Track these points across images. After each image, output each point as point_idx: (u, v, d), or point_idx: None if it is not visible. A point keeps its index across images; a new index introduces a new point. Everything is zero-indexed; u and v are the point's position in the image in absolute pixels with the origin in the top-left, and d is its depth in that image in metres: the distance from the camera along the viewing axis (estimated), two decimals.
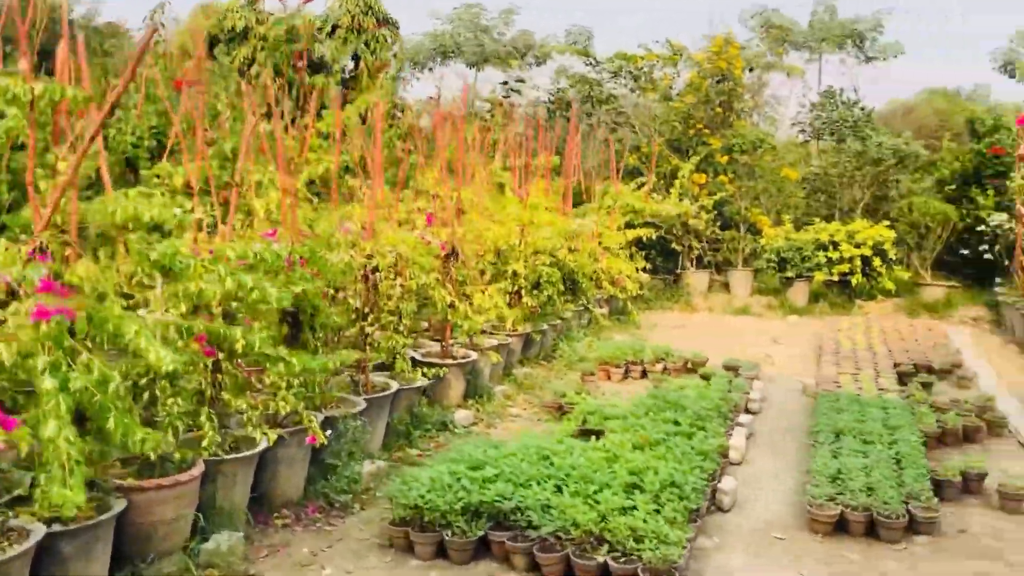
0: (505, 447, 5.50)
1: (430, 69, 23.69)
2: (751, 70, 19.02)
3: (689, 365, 9.58)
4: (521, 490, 4.79)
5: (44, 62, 7.52)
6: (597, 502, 4.68)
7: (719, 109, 16.54)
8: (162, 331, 4.09)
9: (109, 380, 3.62)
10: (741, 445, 6.48)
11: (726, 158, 16.19)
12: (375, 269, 6.45)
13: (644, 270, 13.34)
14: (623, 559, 4.32)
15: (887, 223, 14.54)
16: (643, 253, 14.09)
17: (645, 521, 4.43)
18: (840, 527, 5.14)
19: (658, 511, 4.64)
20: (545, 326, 10.27)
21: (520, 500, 4.70)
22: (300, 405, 5.04)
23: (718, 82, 16.62)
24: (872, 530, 5.10)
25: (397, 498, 4.88)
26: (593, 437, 5.95)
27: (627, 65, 18.52)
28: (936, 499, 5.30)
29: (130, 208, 3.87)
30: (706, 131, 16.49)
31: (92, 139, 3.67)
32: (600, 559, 4.34)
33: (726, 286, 15.59)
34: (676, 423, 6.23)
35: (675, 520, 4.57)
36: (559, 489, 4.87)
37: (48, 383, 3.13)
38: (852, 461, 5.69)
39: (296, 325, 5.32)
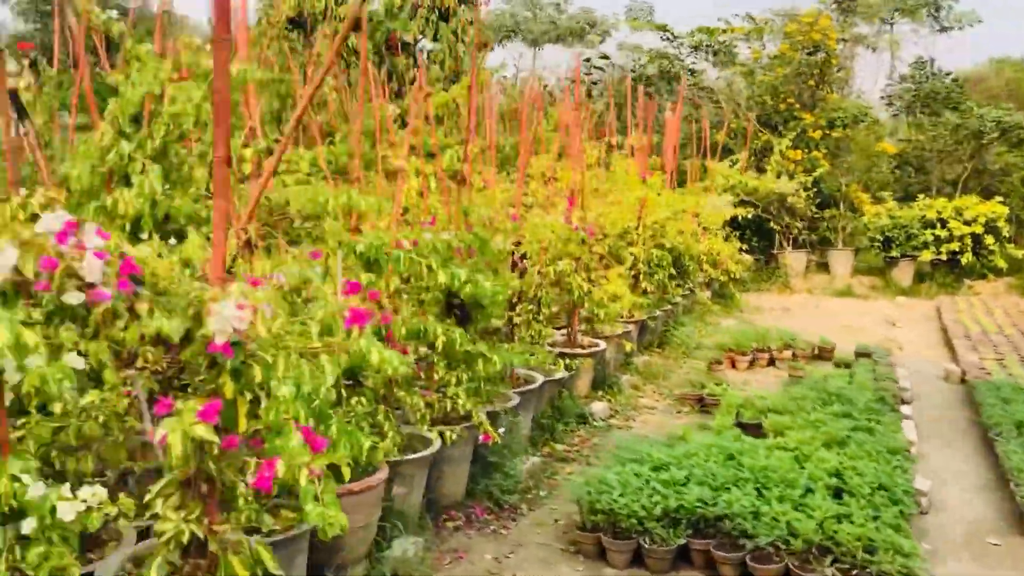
0: (683, 446, 5.18)
1: (491, 50, 23.43)
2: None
3: (817, 352, 9.16)
4: (722, 494, 4.46)
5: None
6: (806, 507, 4.33)
7: (811, 82, 15.91)
8: None
9: (320, 383, 3.35)
10: (914, 439, 6.08)
11: (819, 133, 15.59)
12: (523, 256, 6.15)
13: (740, 251, 12.88)
14: (854, 572, 3.97)
15: (999, 199, 13.85)
16: (737, 233, 13.61)
17: (877, 530, 4.08)
18: None
19: (876, 517, 4.28)
20: (658, 312, 9.91)
21: (725, 506, 4.36)
22: (477, 402, 4.77)
23: (809, 54, 15.99)
24: None
25: (587, 502, 4.58)
26: (770, 433, 5.60)
27: (707, 39, 18.00)
28: None
29: (342, 197, 3.59)
30: (796, 105, 15.90)
31: (298, 121, 3.39)
32: (827, 571, 4.00)
33: (823, 266, 15.04)
34: (849, 417, 5.85)
35: (899, 527, 4.21)
36: (759, 493, 4.54)
37: (284, 389, 2.87)
38: None
39: (463, 317, 5.02)
